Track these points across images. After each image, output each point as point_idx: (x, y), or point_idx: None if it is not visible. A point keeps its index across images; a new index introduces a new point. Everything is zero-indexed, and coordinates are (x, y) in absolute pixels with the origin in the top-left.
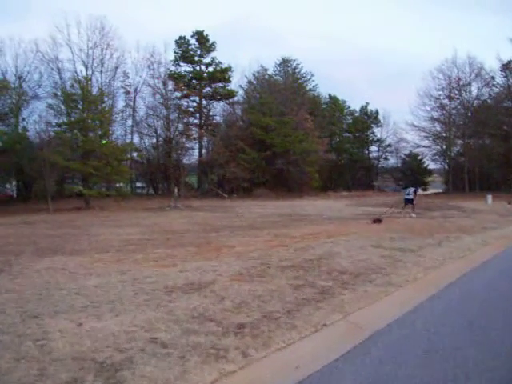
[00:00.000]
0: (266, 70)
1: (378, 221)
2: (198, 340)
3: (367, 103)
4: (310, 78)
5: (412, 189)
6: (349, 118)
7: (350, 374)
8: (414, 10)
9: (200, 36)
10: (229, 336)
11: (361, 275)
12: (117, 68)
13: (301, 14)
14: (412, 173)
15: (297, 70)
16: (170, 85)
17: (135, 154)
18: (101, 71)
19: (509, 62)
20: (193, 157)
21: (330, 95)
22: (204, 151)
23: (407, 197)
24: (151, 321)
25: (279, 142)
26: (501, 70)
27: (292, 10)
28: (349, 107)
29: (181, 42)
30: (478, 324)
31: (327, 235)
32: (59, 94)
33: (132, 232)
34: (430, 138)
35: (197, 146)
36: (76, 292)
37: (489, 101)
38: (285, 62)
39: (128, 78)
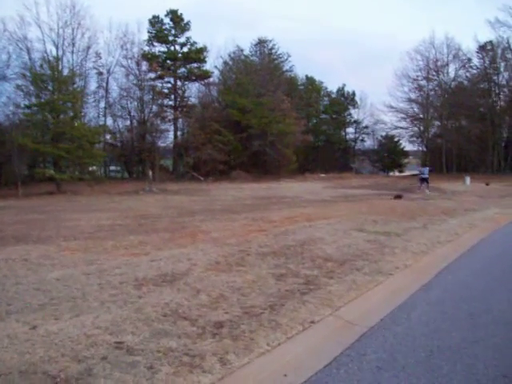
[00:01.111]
0: (241, 50)
1: (398, 197)
2: (169, 344)
3: (344, 84)
4: (286, 59)
5: (427, 169)
6: (326, 99)
7: (346, 382)
8: None
9: (174, 15)
10: (205, 338)
11: (347, 262)
12: (89, 48)
13: None
14: (388, 154)
15: (273, 51)
16: (144, 65)
17: (108, 137)
18: (72, 51)
19: (485, 43)
20: (168, 139)
21: (306, 76)
22: (179, 133)
23: (423, 176)
24: (117, 321)
25: (256, 124)
26: (477, 52)
27: None
28: (326, 88)
29: (154, 21)
30: (479, 317)
31: (307, 219)
32: (28, 74)
33: (104, 217)
34: (408, 120)
35: (172, 128)
36: (35, 287)
37: (465, 82)
38: (261, 43)
39: (100, 58)
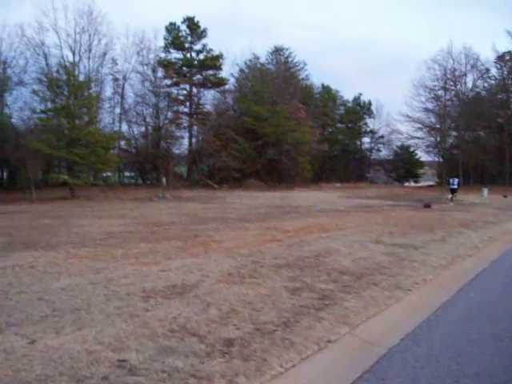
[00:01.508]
0: (257, 58)
1: (427, 206)
2: (175, 364)
3: (360, 94)
4: (302, 67)
5: (456, 180)
6: (342, 108)
7: None
8: (409, 1)
9: (191, 22)
10: (214, 357)
11: (364, 276)
12: (105, 54)
13: (293, 2)
14: (403, 165)
15: (289, 59)
16: (160, 72)
17: (123, 143)
18: (88, 57)
19: (503, 53)
20: (182, 146)
21: (322, 85)
22: (194, 140)
23: (453, 186)
24: (121, 336)
25: (271, 132)
26: (495, 62)
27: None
28: (342, 97)
29: (171, 28)
30: (506, 340)
31: (322, 229)
32: (45, 79)
33: (115, 224)
34: (424, 130)
35: (187, 135)
36: (39, 297)
37: (483, 93)
38: (277, 51)
39: (116, 64)
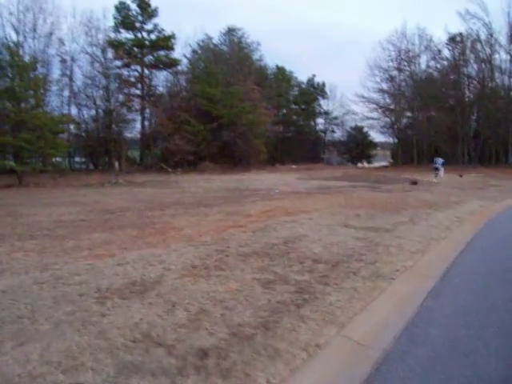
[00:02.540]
0: (210, 38)
1: (414, 183)
2: None
3: (314, 75)
4: (256, 48)
5: (441, 159)
6: (296, 89)
7: None
8: None
9: (141, 1)
10: (187, 375)
11: (340, 264)
12: (51, 34)
13: None
14: (357, 146)
15: (243, 40)
16: (110, 53)
17: (73, 127)
18: (33, 37)
19: (454, 35)
20: (135, 129)
21: (277, 66)
22: (147, 123)
23: (437, 165)
24: (73, 351)
25: (225, 114)
26: (447, 44)
27: None
28: (296, 78)
29: (121, 6)
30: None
31: (286, 213)
32: None
33: (66, 212)
34: (379, 110)
35: (139, 118)
36: None
37: (436, 74)
38: (230, 31)
39: (64, 45)
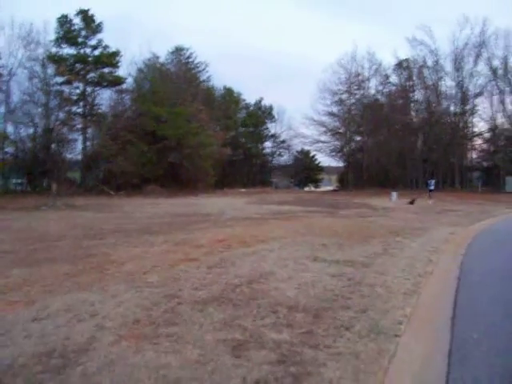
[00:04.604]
0: (157, 57)
1: (411, 202)
2: None
3: (261, 98)
4: (204, 69)
5: (433, 181)
6: (244, 111)
7: None
8: (315, 9)
9: (85, 15)
10: None
11: (323, 313)
12: None
13: (190, 8)
14: (304, 169)
15: (190, 60)
16: (50, 68)
17: (8, 146)
18: None
19: (401, 61)
20: (76, 150)
21: (225, 87)
22: (88, 144)
23: (430, 187)
24: None
25: (172, 134)
26: (394, 69)
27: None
28: (244, 100)
29: (63, 20)
30: None
31: (242, 242)
32: None
33: None
34: (329, 133)
35: (80, 137)
36: None
37: (384, 98)
38: (178, 51)
39: (0, 58)
